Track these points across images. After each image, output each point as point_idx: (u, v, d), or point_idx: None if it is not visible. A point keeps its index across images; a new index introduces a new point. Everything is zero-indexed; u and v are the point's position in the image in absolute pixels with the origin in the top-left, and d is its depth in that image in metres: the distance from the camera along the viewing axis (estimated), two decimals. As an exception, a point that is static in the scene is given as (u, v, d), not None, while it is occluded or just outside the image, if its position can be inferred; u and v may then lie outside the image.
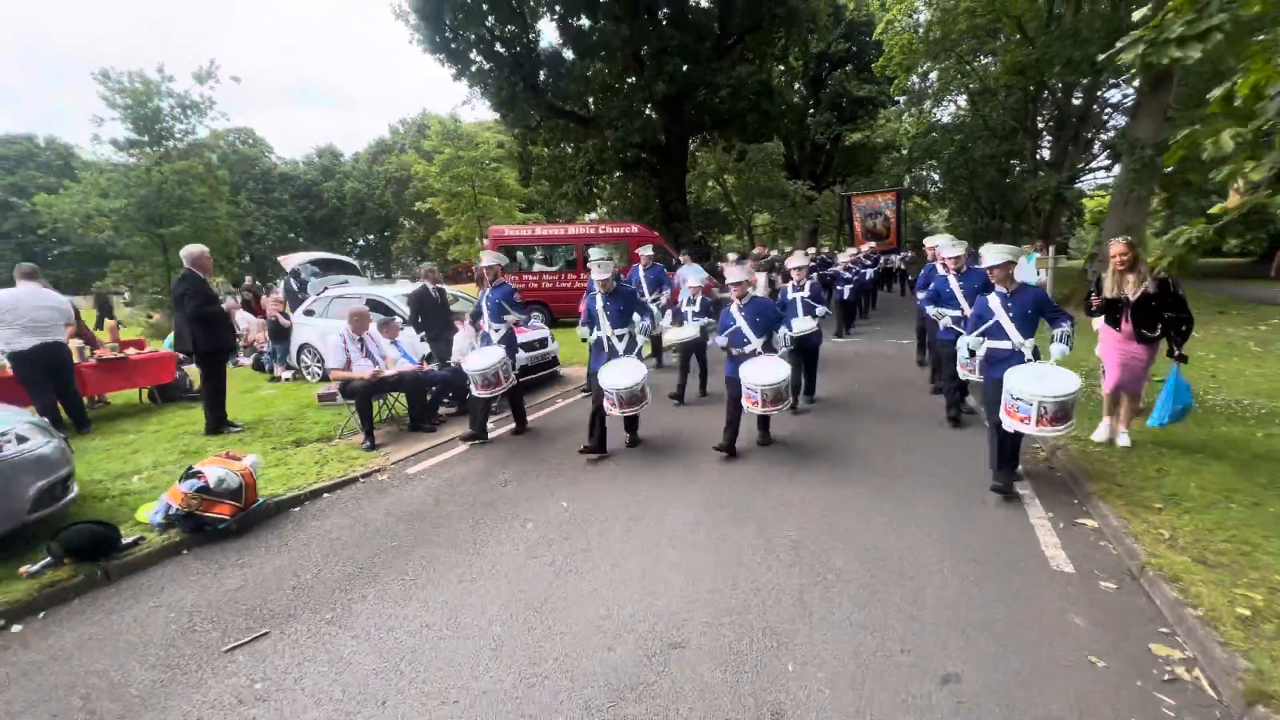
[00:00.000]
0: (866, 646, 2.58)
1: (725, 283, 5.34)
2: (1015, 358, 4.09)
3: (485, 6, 14.23)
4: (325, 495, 4.59)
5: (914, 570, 3.20)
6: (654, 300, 7.94)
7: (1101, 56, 4.18)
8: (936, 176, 29.54)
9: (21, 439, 3.59)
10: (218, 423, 6.09)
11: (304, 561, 3.58)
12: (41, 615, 3.07)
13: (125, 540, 3.57)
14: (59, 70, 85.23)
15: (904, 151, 28.23)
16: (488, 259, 6.11)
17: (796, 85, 28.55)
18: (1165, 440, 4.79)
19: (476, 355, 5.62)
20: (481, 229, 22.34)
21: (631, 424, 5.54)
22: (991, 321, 4.20)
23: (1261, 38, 3.14)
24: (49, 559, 3.32)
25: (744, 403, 4.90)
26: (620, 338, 5.35)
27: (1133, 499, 3.80)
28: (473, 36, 14.42)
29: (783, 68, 21.05)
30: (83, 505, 4.12)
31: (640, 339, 5.41)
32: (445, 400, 6.77)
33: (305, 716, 2.31)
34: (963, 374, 5.16)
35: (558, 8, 16.03)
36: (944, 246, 5.95)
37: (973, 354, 4.34)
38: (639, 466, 5.01)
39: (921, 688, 2.33)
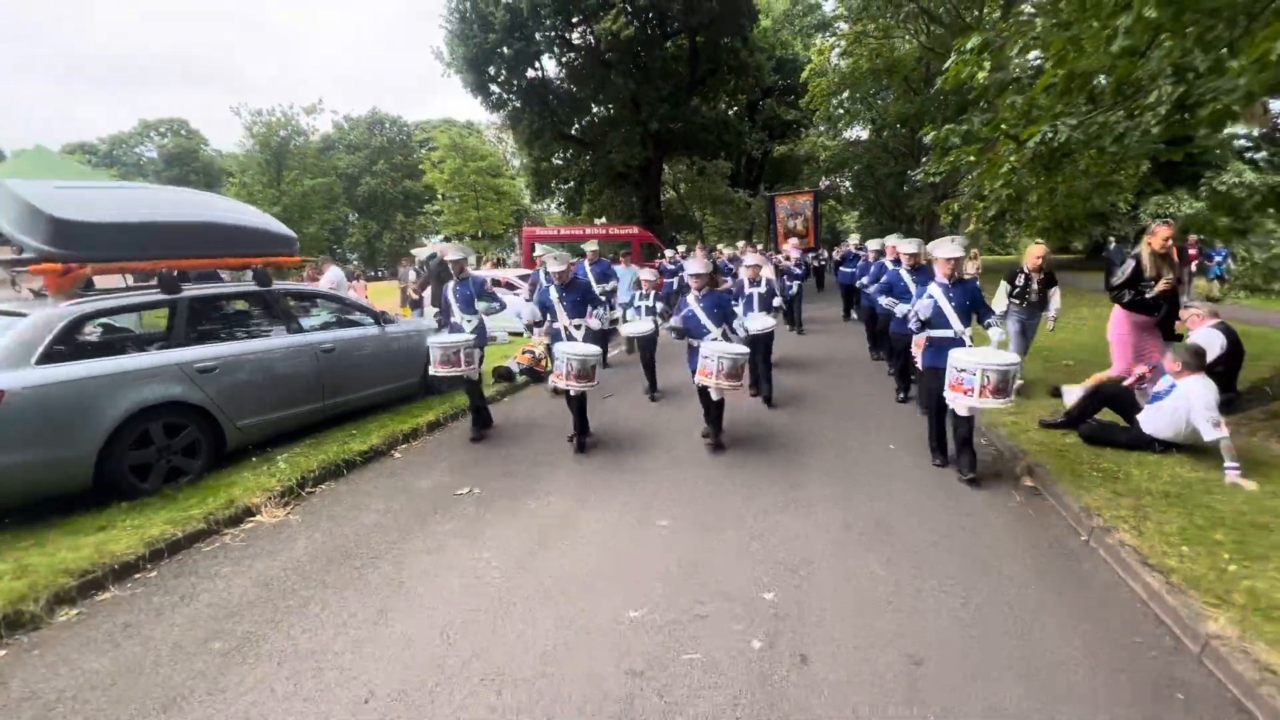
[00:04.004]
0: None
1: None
2: (955, 344, 4.25)
3: (512, 54, 18.31)
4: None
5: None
6: (600, 293, 8.15)
7: (916, 172, 9.24)
8: (848, 184, 36.12)
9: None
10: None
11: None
12: (510, 397, 7.42)
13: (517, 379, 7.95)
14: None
15: (821, 162, 34.42)
16: (453, 253, 6.01)
17: (735, 109, 33.98)
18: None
19: (444, 334, 5.63)
20: (482, 228, 26.10)
21: (580, 410, 5.28)
22: (933, 310, 4.36)
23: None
24: (495, 379, 7.66)
25: (698, 377, 4.76)
26: (578, 327, 5.41)
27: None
28: (509, 81, 18.53)
29: (729, 99, 26.18)
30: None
31: (597, 325, 5.54)
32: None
33: (630, 413, 6.87)
34: (916, 353, 5.34)
35: (558, 48, 20.34)
36: (902, 245, 6.41)
37: (922, 324, 4.45)
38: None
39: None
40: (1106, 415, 4.85)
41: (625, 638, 2.74)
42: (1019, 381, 5.03)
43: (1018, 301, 6.07)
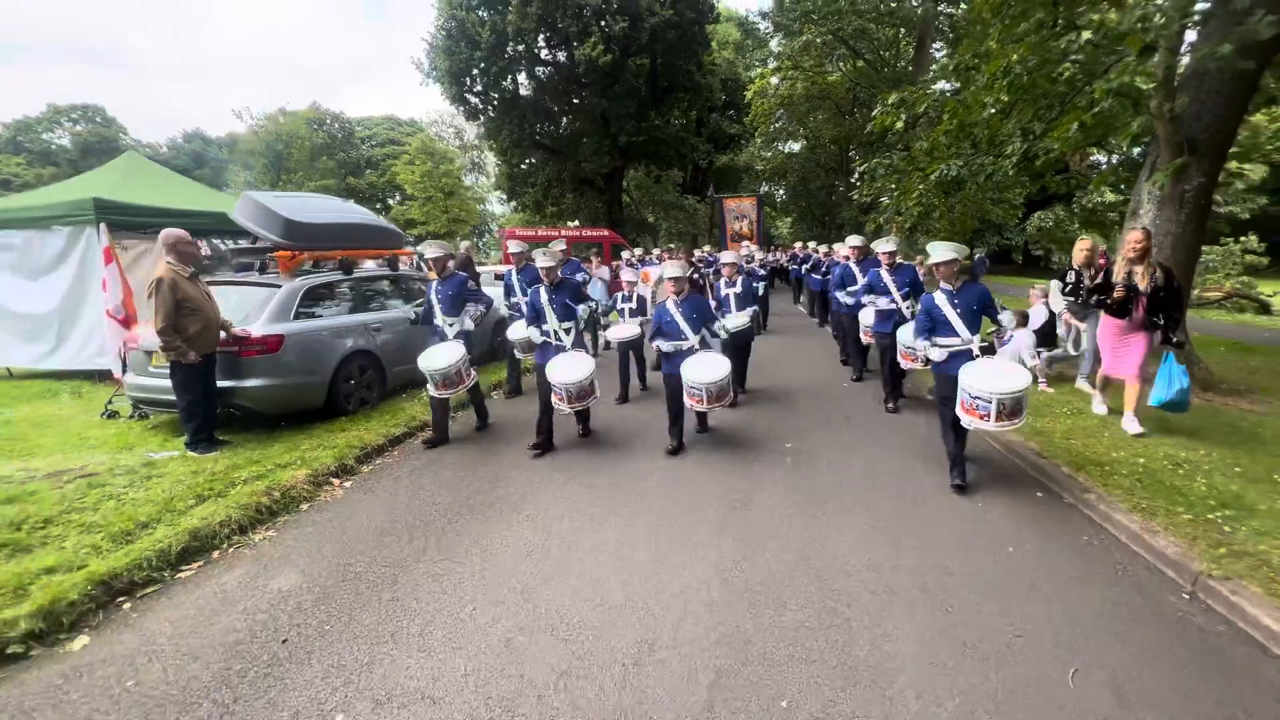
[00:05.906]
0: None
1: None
2: (963, 354, 4.18)
3: (496, 70, 19.96)
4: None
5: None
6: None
7: (851, 194, 11.96)
8: (782, 193, 39.67)
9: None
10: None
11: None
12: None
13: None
14: None
15: (759, 171, 37.76)
16: (432, 250, 5.74)
17: (685, 122, 36.73)
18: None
19: (434, 353, 5.33)
20: (451, 225, 27.37)
21: (582, 415, 5.55)
22: (939, 319, 4.28)
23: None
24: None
25: (688, 401, 4.90)
26: (567, 331, 5.33)
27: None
28: (488, 94, 20.15)
29: (681, 114, 28.82)
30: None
31: (584, 319, 5.39)
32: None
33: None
34: (904, 364, 5.63)
35: (527, 63, 22.13)
36: (880, 244, 6.44)
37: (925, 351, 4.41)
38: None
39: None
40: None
41: (714, 464, 4.94)
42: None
43: (1072, 299, 6.09)
